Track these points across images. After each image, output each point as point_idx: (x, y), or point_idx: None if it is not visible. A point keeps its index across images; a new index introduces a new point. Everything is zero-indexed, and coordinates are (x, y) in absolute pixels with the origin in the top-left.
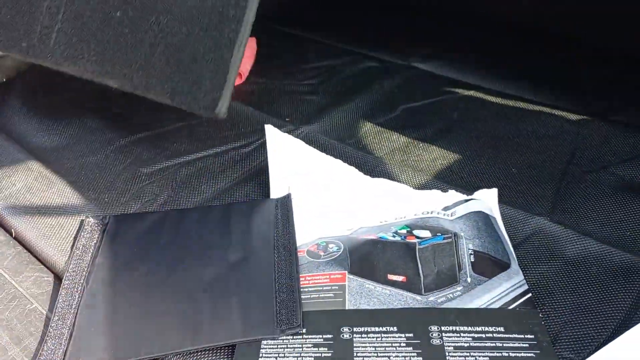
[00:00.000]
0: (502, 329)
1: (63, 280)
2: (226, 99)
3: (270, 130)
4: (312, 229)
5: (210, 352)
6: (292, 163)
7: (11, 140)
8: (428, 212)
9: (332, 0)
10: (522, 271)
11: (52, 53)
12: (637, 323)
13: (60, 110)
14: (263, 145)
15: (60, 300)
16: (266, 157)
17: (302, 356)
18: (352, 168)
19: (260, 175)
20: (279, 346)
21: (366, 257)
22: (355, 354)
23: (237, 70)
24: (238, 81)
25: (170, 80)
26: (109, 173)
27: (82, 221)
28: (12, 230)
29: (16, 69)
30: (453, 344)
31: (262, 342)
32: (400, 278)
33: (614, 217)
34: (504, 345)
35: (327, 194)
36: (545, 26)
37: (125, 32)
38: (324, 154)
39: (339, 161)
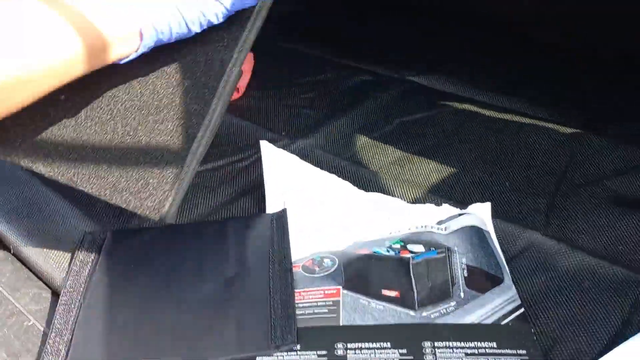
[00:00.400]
0: (494, 344)
1: (60, 296)
2: (176, 201)
3: (265, 146)
4: (307, 244)
5: None
6: (288, 178)
7: None
8: (422, 227)
9: (323, 15)
10: (515, 285)
11: None
12: (629, 337)
13: None
14: (259, 159)
15: (57, 317)
16: (262, 172)
17: None
18: (347, 183)
19: (256, 190)
20: None
21: (360, 272)
22: None
23: (193, 172)
24: (235, 95)
25: (110, 175)
26: None
27: (80, 237)
28: (11, 246)
29: None
30: None
31: (257, 358)
32: (394, 293)
33: (607, 231)
34: None
35: (322, 209)
36: (540, 35)
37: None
38: (318, 169)
39: (333, 176)
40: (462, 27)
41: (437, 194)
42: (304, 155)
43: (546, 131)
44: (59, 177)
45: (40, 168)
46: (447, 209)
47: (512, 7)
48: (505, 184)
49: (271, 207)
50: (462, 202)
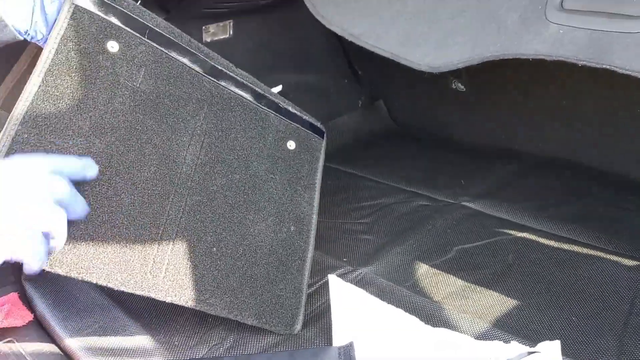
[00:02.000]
0: None
1: None
2: (302, 315)
3: (334, 281)
4: None
5: None
6: (355, 314)
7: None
8: None
9: (377, 140)
10: None
11: (161, 286)
12: None
13: None
14: (322, 287)
15: None
16: (326, 300)
17: None
18: (414, 318)
19: (321, 319)
20: None
21: None
22: None
23: (307, 290)
24: None
25: (256, 305)
26: (178, 315)
27: None
28: None
29: None
30: None
31: None
32: None
33: None
34: None
35: (390, 346)
36: (596, 165)
37: (219, 264)
38: (385, 304)
39: (400, 311)
40: (509, 165)
41: (503, 328)
42: (366, 283)
43: (608, 263)
44: (222, 314)
45: (206, 309)
46: (516, 347)
47: (561, 146)
48: (572, 319)
49: (338, 341)
50: (529, 338)
